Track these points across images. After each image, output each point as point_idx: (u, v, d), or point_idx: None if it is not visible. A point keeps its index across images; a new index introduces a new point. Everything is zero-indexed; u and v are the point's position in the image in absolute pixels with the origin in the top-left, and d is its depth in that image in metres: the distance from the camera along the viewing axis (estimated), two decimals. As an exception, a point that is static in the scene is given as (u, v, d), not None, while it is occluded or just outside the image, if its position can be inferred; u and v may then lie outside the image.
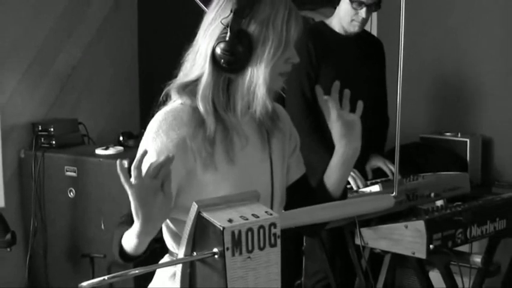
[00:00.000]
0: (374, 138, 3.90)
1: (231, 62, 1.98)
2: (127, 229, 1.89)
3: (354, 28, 3.81)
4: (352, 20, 3.78)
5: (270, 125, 2.18)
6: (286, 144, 2.24)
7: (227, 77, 2.05)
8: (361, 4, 3.70)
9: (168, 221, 2.08)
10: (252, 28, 1.99)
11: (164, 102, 2.09)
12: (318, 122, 3.70)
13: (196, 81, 2.05)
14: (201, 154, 2.00)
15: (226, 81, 2.05)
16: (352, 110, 2.18)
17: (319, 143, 3.67)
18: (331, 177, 2.21)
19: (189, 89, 2.05)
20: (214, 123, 2.02)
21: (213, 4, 2.06)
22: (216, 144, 2.03)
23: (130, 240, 1.87)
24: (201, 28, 2.06)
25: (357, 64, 3.88)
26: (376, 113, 3.96)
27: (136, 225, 1.80)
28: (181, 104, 2.05)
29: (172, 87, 2.08)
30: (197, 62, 2.05)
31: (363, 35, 3.98)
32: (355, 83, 3.74)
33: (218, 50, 1.99)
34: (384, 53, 4.10)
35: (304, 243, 4.06)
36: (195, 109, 2.03)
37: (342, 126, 2.15)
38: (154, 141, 1.98)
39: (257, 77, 2.01)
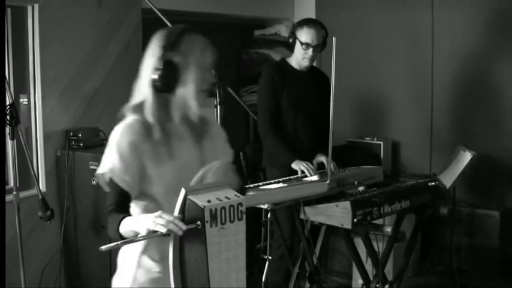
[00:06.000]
0: (322, 141, 3.93)
1: (164, 84, 2.00)
2: (116, 216, 1.94)
3: (305, 63, 3.85)
4: (303, 58, 3.83)
5: (201, 131, 2.16)
6: (215, 142, 2.20)
7: (164, 96, 2.05)
8: (308, 46, 3.76)
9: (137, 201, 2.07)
10: (178, 58, 2.01)
11: (122, 119, 2.07)
12: (278, 125, 3.82)
13: (143, 102, 2.05)
14: (150, 154, 2.00)
15: (164, 99, 2.06)
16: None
17: (279, 140, 3.75)
18: None
19: (139, 108, 2.05)
20: (159, 131, 2.03)
21: (149, 44, 2.07)
22: (161, 146, 2.03)
23: (128, 233, 1.90)
24: (142, 63, 2.08)
25: (308, 90, 3.90)
26: (323, 124, 3.97)
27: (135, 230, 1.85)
28: (135, 119, 2.05)
29: (127, 108, 2.08)
30: (141, 89, 2.06)
31: (314, 71, 4.00)
32: (306, 103, 3.86)
33: (155, 77, 2.01)
34: (329, 84, 4.06)
35: (263, 218, 4.06)
36: (145, 122, 2.03)
37: None
38: (117, 144, 1.99)
39: (187, 94, 2.03)
